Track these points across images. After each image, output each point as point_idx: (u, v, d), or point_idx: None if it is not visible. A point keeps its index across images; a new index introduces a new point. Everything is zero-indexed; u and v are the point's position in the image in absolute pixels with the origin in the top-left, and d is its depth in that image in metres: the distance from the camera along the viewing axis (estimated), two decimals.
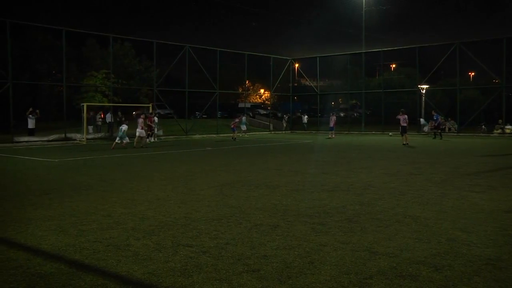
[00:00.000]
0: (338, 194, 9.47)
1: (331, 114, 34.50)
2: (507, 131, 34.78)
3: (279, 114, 49.59)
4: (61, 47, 29.62)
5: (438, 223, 6.86)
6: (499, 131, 34.95)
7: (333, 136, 32.45)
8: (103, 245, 5.80)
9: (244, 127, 34.16)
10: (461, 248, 5.57)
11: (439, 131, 30.56)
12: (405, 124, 24.57)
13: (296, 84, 53.00)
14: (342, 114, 35.07)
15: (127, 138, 22.75)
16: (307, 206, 8.14)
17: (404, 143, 23.81)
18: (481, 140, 28.82)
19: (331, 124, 32.79)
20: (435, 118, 31.22)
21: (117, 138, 22.50)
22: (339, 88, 49.79)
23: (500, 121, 35.39)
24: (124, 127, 22.41)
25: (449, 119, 39.38)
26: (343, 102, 57.78)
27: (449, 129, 38.37)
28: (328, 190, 9.97)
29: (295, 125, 45.94)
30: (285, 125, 44.87)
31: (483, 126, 36.23)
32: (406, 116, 24.97)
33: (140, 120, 23.81)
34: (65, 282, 4.56)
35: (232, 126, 30.74)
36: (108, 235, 6.30)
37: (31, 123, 26.77)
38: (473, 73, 52.57)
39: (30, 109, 26.96)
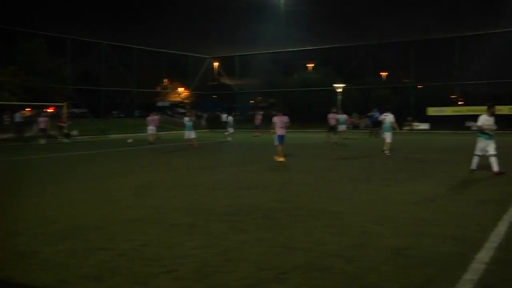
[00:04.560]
0: (256, 191, 9.58)
1: (257, 112, 34.76)
2: (415, 127, 37.11)
3: (198, 113, 49.39)
4: None
5: (352, 217, 7.15)
6: (408, 127, 37.14)
7: (259, 134, 32.76)
8: (8, 254, 5.46)
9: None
10: (372, 239, 5.85)
11: (377, 129, 27.99)
12: (334, 123, 25.36)
13: (215, 83, 52.98)
14: (261, 113, 35.43)
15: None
16: (225, 205, 8.16)
17: (333, 141, 24.63)
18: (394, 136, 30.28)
19: (257, 123, 33.05)
20: (376, 115, 28.49)
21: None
22: (258, 86, 50.40)
23: (409, 118, 37.69)
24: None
25: (363, 116, 41.36)
26: (262, 100, 58.63)
27: (365, 126, 40.25)
28: (247, 188, 10.06)
29: (214, 123, 45.96)
30: (203, 124, 44.73)
31: None
32: (335, 115, 25.72)
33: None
34: None
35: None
36: (14, 242, 5.93)
37: None
38: (385, 73, 55.38)
39: None
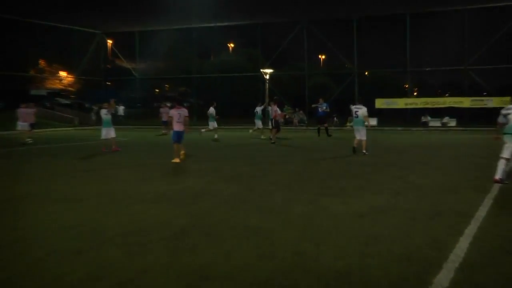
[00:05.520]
0: (163, 205, 9.46)
1: (162, 105, 34.37)
2: None
3: (87, 105, 48.06)
4: None
5: (284, 234, 7.23)
6: (352, 123, 38.18)
7: (167, 132, 32.38)
8: None
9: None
10: (309, 262, 5.94)
11: (326, 125, 29.62)
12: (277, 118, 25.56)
13: (109, 66, 51.90)
14: (169, 104, 35.07)
15: None
16: (122, 223, 7.99)
17: (269, 138, 24.92)
18: (333, 134, 31.05)
19: (164, 118, 32.75)
20: (323, 108, 29.44)
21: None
22: (165, 71, 49.95)
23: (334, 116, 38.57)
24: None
25: (297, 109, 42.12)
26: (170, 89, 58.21)
27: (299, 121, 41.05)
28: (150, 200, 9.91)
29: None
30: (94, 118, 43.64)
31: (335, 118, 39.27)
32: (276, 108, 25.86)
33: None
34: None
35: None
36: None
37: None
38: (323, 57, 56.84)
39: None
